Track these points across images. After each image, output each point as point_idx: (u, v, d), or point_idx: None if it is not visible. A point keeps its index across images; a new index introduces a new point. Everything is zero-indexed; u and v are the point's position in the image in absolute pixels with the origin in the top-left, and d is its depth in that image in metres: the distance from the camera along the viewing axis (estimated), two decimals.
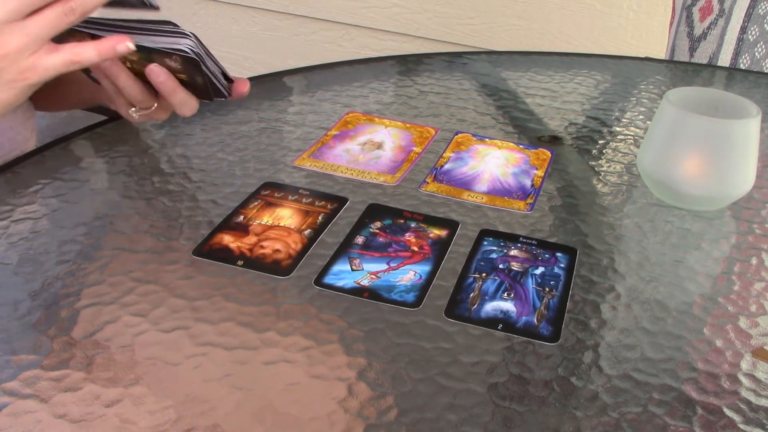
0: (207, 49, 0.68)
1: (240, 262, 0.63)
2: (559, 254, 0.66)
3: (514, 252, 0.66)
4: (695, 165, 0.70)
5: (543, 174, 0.79)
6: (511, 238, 0.68)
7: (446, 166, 0.79)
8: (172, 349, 0.54)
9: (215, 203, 0.71)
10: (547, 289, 0.62)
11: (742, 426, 0.50)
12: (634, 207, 0.75)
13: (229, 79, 0.73)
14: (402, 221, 0.69)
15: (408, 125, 0.88)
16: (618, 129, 0.91)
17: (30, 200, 0.71)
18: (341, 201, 0.72)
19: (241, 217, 0.69)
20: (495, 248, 0.66)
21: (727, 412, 0.51)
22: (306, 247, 0.65)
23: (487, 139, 0.86)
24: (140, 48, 0.66)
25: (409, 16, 2.04)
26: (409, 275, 0.62)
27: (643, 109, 0.96)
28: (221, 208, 0.70)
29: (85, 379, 0.51)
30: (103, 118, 0.88)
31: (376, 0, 2.05)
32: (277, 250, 0.64)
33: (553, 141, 0.87)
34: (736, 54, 1.22)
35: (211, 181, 0.75)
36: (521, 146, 0.84)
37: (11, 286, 0.60)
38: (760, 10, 1.20)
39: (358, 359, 0.54)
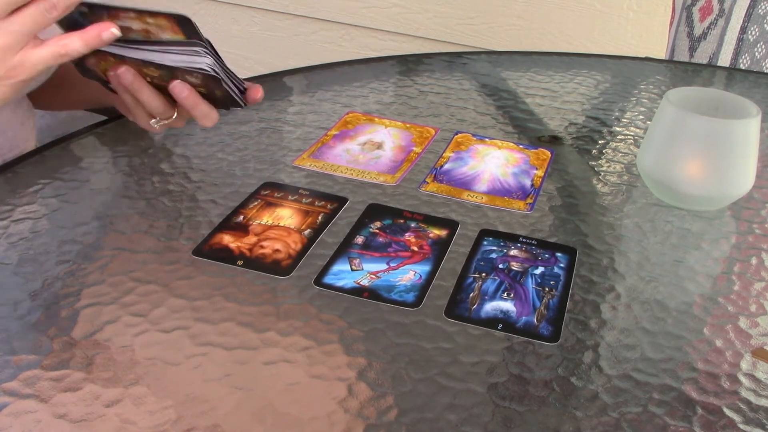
0: (222, 62, 0.68)
1: (240, 262, 0.63)
2: (559, 254, 0.66)
3: (514, 252, 0.66)
4: (695, 165, 0.70)
5: (543, 174, 0.79)
6: (511, 238, 0.68)
7: (446, 166, 0.79)
8: (172, 349, 0.54)
9: (215, 203, 0.71)
10: (547, 289, 0.62)
11: (742, 426, 0.50)
12: (634, 207, 0.75)
13: (242, 87, 0.73)
14: (402, 221, 0.69)
15: (408, 125, 0.88)
16: (618, 129, 0.91)
17: (30, 200, 0.71)
18: (341, 201, 0.72)
19: (241, 217, 0.69)
20: (495, 248, 0.66)
21: (727, 412, 0.51)
22: (306, 247, 0.65)
23: (487, 139, 0.86)
24: (161, 66, 0.67)
25: (409, 16, 2.04)
26: (409, 275, 0.62)
27: (643, 109, 0.96)
28: (221, 208, 0.70)
29: (85, 379, 0.51)
30: (103, 118, 0.88)
31: (376, 0, 2.05)
32: (277, 250, 0.64)
33: (553, 141, 0.87)
34: (736, 54, 1.22)
35: (211, 181, 0.75)
36: (521, 146, 0.84)
37: (11, 286, 0.60)
38: (760, 10, 1.20)
39: (358, 359, 0.54)
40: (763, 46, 1.20)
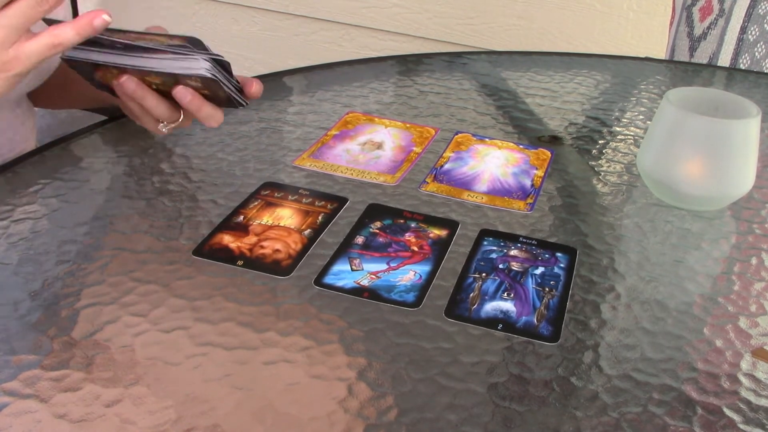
0: (224, 64, 0.69)
1: (240, 262, 0.63)
2: (559, 254, 0.66)
3: (514, 252, 0.66)
4: (695, 165, 0.70)
5: (543, 174, 0.79)
6: (511, 238, 0.68)
7: (446, 166, 0.79)
8: (172, 349, 0.54)
9: (215, 203, 0.71)
10: (547, 289, 0.62)
11: (742, 426, 0.50)
12: (634, 207, 0.75)
13: (238, 86, 0.73)
14: (402, 221, 0.69)
15: (408, 125, 0.88)
16: (618, 129, 0.91)
17: (30, 200, 0.71)
18: (341, 201, 0.72)
19: (241, 217, 0.69)
20: (495, 248, 0.66)
21: (727, 412, 0.51)
22: (306, 247, 0.65)
23: (487, 139, 0.86)
24: (162, 74, 0.68)
25: (409, 16, 2.04)
26: (409, 275, 0.62)
27: (643, 109, 0.96)
28: (221, 208, 0.70)
29: (85, 379, 0.51)
30: (103, 118, 0.88)
31: (376, 0, 2.05)
32: (277, 250, 0.64)
33: (553, 141, 0.87)
34: (736, 54, 1.22)
35: (211, 181, 0.75)
36: (521, 146, 0.84)
37: (11, 286, 0.60)
38: (760, 10, 1.20)
39: (358, 359, 0.54)
40: (763, 46, 1.20)
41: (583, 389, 0.52)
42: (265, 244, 0.65)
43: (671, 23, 1.35)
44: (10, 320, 0.56)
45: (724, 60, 1.24)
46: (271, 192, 0.73)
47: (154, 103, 0.72)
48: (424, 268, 0.63)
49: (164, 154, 0.80)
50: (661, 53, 1.43)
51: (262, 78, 0.98)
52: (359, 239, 0.66)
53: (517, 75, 1.05)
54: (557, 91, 1.00)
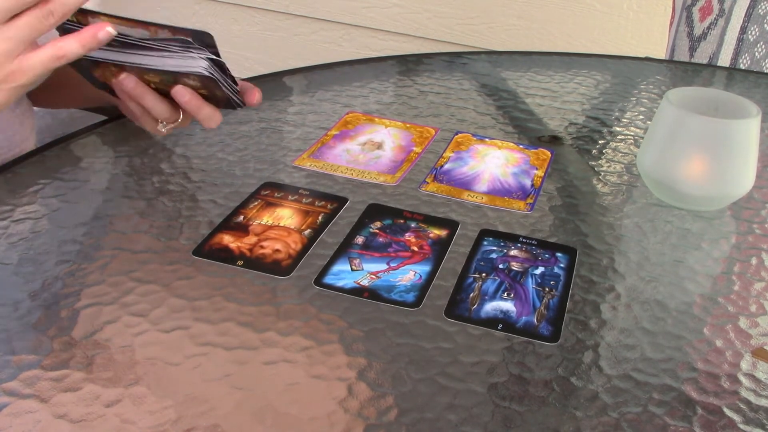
0: (222, 63, 0.69)
1: (240, 262, 0.63)
2: (559, 254, 0.66)
3: (514, 252, 0.66)
4: (695, 165, 0.70)
5: (543, 174, 0.79)
6: (511, 238, 0.68)
7: (446, 166, 0.79)
8: (172, 349, 0.54)
9: (215, 203, 0.71)
10: (547, 289, 0.62)
11: (742, 426, 0.50)
12: (634, 207, 0.75)
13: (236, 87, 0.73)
14: (402, 221, 0.69)
15: (408, 125, 0.88)
16: (618, 129, 0.91)
17: (30, 200, 0.71)
18: (341, 201, 0.72)
19: (241, 217, 0.69)
20: (495, 248, 0.66)
21: (727, 412, 0.51)
22: (306, 247, 0.65)
23: (487, 139, 0.86)
24: (161, 72, 0.68)
25: (409, 16, 2.04)
26: (409, 275, 0.62)
27: (643, 109, 0.96)
28: (221, 208, 0.70)
29: (85, 379, 0.51)
30: (103, 118, 0.88)
31: (376, 0, 2.05)
32: (277, 250, 0.64)
33: (553, 141, 0.87)
34: (736, 54, 1.22)
35: (211, 181, 0.75)
36: (521, 146, 0.84)
37: (11, 286, 0.60)
38: (760, 10, 1.20)
39: (358, 359, 0.54)
40: (763, 46, 1.20)
41: (583, 389, 0.52)
42: (265, 244, 0.65)
43: (671, 23, 1.35)
44: (10, 320, 0.56)
45: (724, 60, 1.24)
46: (271, 192, 0.73)
47: (153, 102, 0.72)
48: (424, 268, 0.63)
49: (164, 154, 0.80)
50: (661, 53, 1.43)
51: (262, 78, 0.98)
52: (359, 239, 0.67)
53: (517, 75, 1.05)
54: (557, 91, 1.00)
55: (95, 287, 0.60)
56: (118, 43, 0.67)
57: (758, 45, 1.21)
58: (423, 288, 0.61)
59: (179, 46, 0.66)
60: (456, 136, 0.86)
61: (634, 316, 0.59)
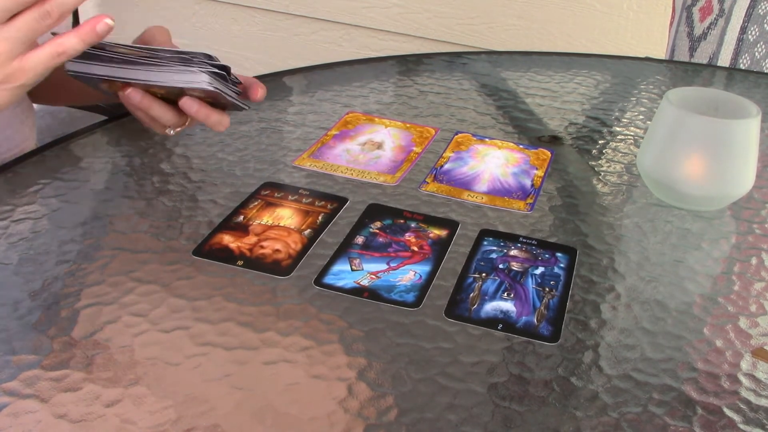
0: (224, 74, 0.69)
1: (240, 262, 0.63)
2: (559, 254, 0.66)
3: (514, 252, 0.66)
4: (695, 165, 0.70)
5: (543, 174, 0.79)
6: (511, 238, 0.68)
7: (446, 166, 0.79)
8: (172, 349, 0.54)
9: (215, 203, 0.71)
10: (547, 289, 0.62)
11: (742, 426, 0.50)
12: (634, 207, 0.75)
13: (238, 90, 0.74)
14: (402, 221, 0.69)
15: (408, 125, 0.88)
16: (618, 129, 0.91)
17: (30, 200, 0.71)
18: (341, 201, 0.72)
19: (241, 217, 0.69)
20: (495, 248, 0.66)
21: (727, 412, 0.51)
22: (306, 247, 0.65)
23: (487, 139, 0.86)
24: (165, 87, 0.69)
25: (409, 16, 2.04)
26: (409, 275, 0.62)
27: (643, 109, 0.96)
28: (221, 208, 0.70)
29: (85, 379, 0.51)
30: (103, 118, 0.88)
31: (376, 0, 2.05)
32: (277, 250, 0.64)
33: (553, 141, 0.87)
34: (736, 54, 1.22)
35: (211, 181, 0.75)
36: (521, 146, 0.84)
37: (11, 286, 0.60)
38: (760, 10, 1.20)
39: (358, 359, 0.54)
40: (763, 46, 1.20)
41: (583, 389, 0.52)
42: (265, 244, 0.65)
43: (671, 23, 1.35)
44: (10, 320, 0.56)
45: (724, 60, 1.24)
46: (271, 192, 0.73)
47: (160, 111, 0.73)
48: (424, 268, 0.63)
49: (164, 154, 0.80)
50: (661, 53, 1.43)
51: (262, 78, 0.98)
52: (359, 239, 0.67)
53: (517, 75, 1.05)
54: (557, 91, 1.00)
55: (95, 287, 0.60)
56: (121, 60, 0.68)
57: (758, 45, 1.21)
58: (423, 288, 0.61)
59: (180, 62, 0.67)
60: (456, 136, 0.86)
61: (634, 316, 0.59)
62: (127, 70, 0.69)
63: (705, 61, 1.26)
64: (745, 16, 1.21)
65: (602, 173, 0.80)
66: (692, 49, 1.28)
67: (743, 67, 1.22)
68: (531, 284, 0.62)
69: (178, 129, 0.76)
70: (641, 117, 0.94)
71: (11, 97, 0.63)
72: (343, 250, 0.65)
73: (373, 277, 0.62)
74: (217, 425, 0.48)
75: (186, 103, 0.71)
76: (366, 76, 1.02)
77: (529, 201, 0.74)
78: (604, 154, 0.85)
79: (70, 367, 0.52)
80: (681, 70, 1.12)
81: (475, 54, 1.12)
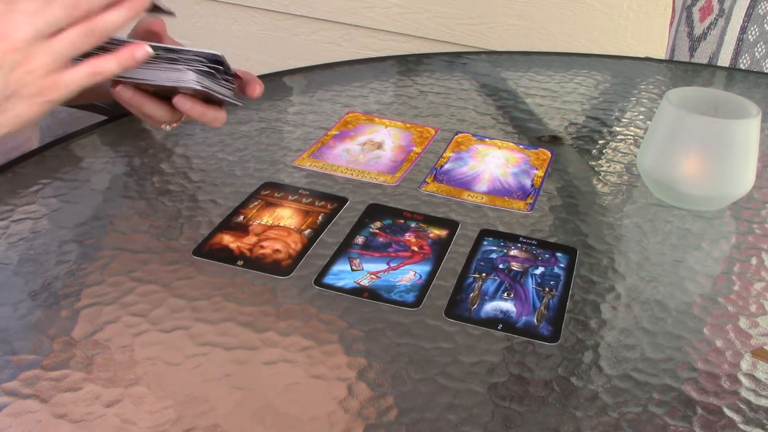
0: (213, 73, 0.69)
1: (240, 262, 0.63)
2: (559, 254, 0.66)
3: (514, 252, 0.66)
4: (695, 165, 0.70)
5: (543, 174, 0.79)
6: (511, 238, 0.68)
7: (446, 166, 0.79)
8: (172, 349, 0.54)
9: (215, 203, 0.71)
10: (547, 289, 0.62)
11: (742, 426, 0.50)
12: (634, 207, 0.75)
13: (230, 79, 0.73)
14: (402, 221, 0.69)
15: (408, 125, 0.88)
16: (618, 129, 0.91)
17: (30, 200, 0.71)
18: (341, 201, 0.72)
19: (241, 217, 0.69)
20: (495, 248, 0.66)
21: (727, 412, 0.51)
22: (306, 247, 0.65)
23: (487, 139, 0.86)
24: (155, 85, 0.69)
25: (409, 16, 2.04)
26: (409, 275, 0.62)
27: (643, 109, 0.96)
28: (221, 208, 0.70)
29: (85, 379, 0.51)
30: (103, 118, 0.88)
31: (376, 0, 2.05)
32: (277, 250, 0.64)
33: (553, 141, 0.87)
34: (736, 54, 1.22)
35: (211, 181, 0.75)
36: (521, 146, 0.84)
37: (11, 286, 0.60)
38: (760, 10, 1.20)
39: (358, 359, 0.54)
40: (763, 46, 1.20)
41: (583, 389, 0.52)
42: (265, 244, 0.65)
43: (671, 23, 1.35)
44: (10, 320, 0.56)
45: (724, 60, 1.24)
46: (271, 192, 0.73)
47: (153, 108, 0.72)
48: (424, 268, 0.63)
49: (164, 154, 0.80)
50: (661, 53, 1.43)
51: (262, 78, 0.98)
52: (359, 239, 0.67)
53: (517, 75, 1.05)
54: (557, 91, 1.00)
55: (95, 287, 0.60)
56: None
57: (758, 45, 1.21)
58: (423, 288, 0.61)
59: (167, 60, 0.67)
60: (456, 136, 0.86)
61: (634, 316, 0.59)
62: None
63: (705, 61, 1.26)
64: (745, 16, 1.21)
65: (602, 173, 0.80)
66: (692, 49, 1.28)
67: (743, 67, 1.22)
68: (531, 284, 0.62)
69: (174, 124, 0.76)
70: (641, 117, 0.94)
71: (41, 110, 0.64)
72: (343, 250, 0.65)
73: (373, 277, 0.62)
74: (217, 425, 0.48)
75: (179, 101, 0.70)
76: (366, 76, 1.02)
77: (529, 201, 0.74)
78: (604, 154, 0.85)
79: (70, 367, 0.52)
80: (681, 70, 1.12)
81: (475, 54, 1.12)
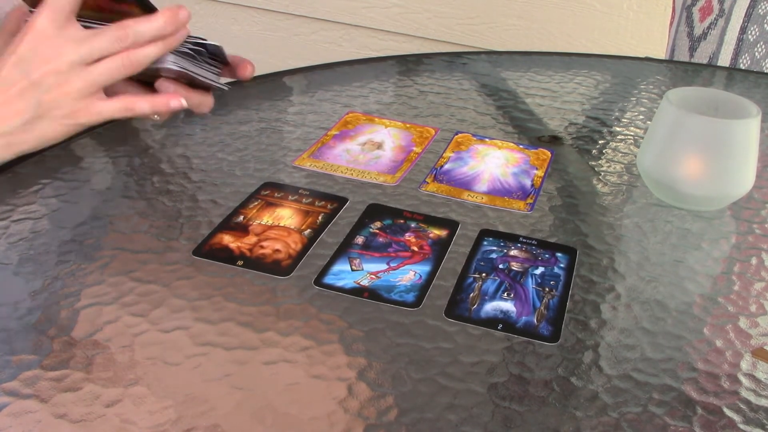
0: (194, 55, 0.69)
1: (240, 262, 0.63)
2: (559, 254, 0.66)
3: (514, 252, 0.66)
4: (695, 165, 0.70)
5: (543, 174, 0.79)
6: (511, 238, 0.68)
7: (446, 166, 0.79)
8: (172, 349, 0.54)
9: (215, 203, 0.71)
10: (547, 289, 0.62)
11: (742, 426, 0.50)
12: (634, 207, 0.75)
13: (214, 63, 0.73)
14: (402, 221, 0.69)
15: (408, 125, 0.88)
16: (618, 129, 0.91)
17: (30, 200, 0.71)
18: (341, 201, 0.72)
19: (241, 217, 0.69)
20: (495, 248, 0.66)
21: (727, 412, 0.51)
22: (306, 247, 0.65)
23: (487, 139, 0.86)
24: None
25: (409, 16, 2.04)
26: (409, 275, 0.62)
27: (643, 109, 0.96)
28: (221, 208, 0.70)
29: (85, 379, 0.51)
30: None
31: (376, 0, 2.05)
32: (277, 250, 0.64)
33: (553, 141, 0.87)
34: (736, 54, 1.22)
35: (211, 181, 0.75)
36: (521, 146, 0.84)
37: (11, 286, 0.60)
38: (760, 10, 1.20)
39: (358, 359, 0.54)
40: (763, 46, 1.20)
41: (583, 389, 0.52)
42: (265, 244, 0.65)
43: (671, 23, 1.35)
44: (10, 320, 0.56)
45: (724, 60, 1.24)
46: (271, 192, 0.73)
47: (135, 93, 0.72)
48: (424, 268, 0.63)
49: (164, 154, 0.80)
50: (661, 53, 1.43)
51: (262, 78, 0.98)
52: (359, 239, 0.67)
53: (517, 75, 1.05)
54: (557, 91, 1.00)
55: (95, 287, 0.60)
56: None
57: (758, 45, 1.21)
58: (423, 288, 0.61)
59: None
60: (456, 136, 0.86)
61: (634, 316, 0.59)
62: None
63: (705, 61, 1.26)
64: (745, 16, 1.21)
65: (602, 173, 0.80)
66: (692, 49, 1.28)
67: (743, 67, 1.22)
68: (531, 284, 0.62)
69: (162, 116, 0.75)
70: (641, 117, 0.94)
71: (66, 132, 0.66)
72: (343, 250, 0.65)
73: (373, 277, 0.62)
74: (217, 425, 0.48)
75: (162, 84, 0.71)
76: (366, 76, 1.02)
77: (529, 201, 0.74)
78: (604, 154, 0.85)
79: (70, 367, 0.52)
80: (681, 70, 1.12)
81: (475, 54, 1.12)
